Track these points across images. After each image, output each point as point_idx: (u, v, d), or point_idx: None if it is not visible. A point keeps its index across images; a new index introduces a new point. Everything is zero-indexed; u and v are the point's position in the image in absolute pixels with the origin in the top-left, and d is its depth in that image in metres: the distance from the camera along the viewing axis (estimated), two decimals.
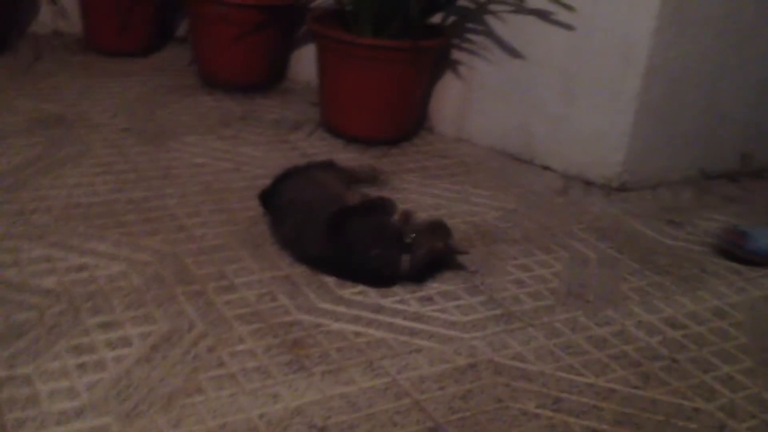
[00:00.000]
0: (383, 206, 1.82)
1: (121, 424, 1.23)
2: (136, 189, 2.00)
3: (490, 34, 2.44)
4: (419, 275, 1.72)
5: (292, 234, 1.79)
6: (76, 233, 1.76)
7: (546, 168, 2.40)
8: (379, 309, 1.62)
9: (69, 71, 2.76)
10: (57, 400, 1.27)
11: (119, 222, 1.83)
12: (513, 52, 2.40)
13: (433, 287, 1.72)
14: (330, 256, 1.71)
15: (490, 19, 2.42)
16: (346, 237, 1.70)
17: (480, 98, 2.51)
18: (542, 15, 2.31)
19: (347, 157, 2.34)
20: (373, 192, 2.00)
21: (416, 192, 2.16)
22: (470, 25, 2.48)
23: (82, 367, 1.35)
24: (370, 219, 1.76)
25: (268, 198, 1.92)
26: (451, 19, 2.50)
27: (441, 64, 2.55)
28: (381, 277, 1.70)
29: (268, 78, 2.84)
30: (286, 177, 1.94)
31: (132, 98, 2.59)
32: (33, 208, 1.84)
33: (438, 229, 1.76)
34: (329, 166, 2.05)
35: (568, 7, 2.22)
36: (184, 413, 1.27)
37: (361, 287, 1.68)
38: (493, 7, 2.40)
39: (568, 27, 2.27)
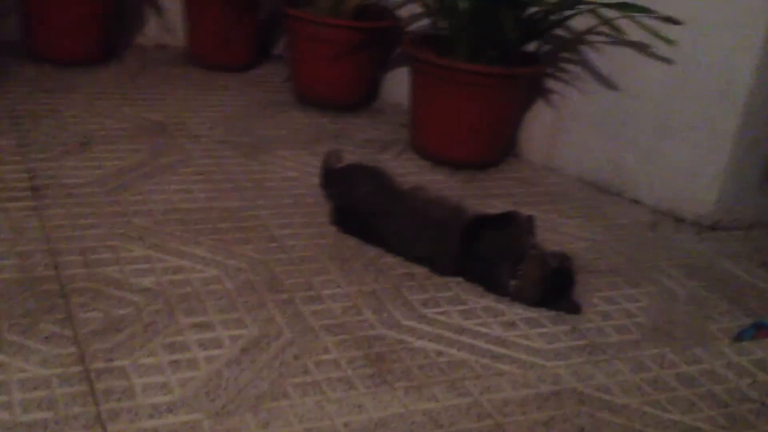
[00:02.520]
0: (517, 221, 1.85)
1: (212, 422, 1.27)
2: (231, 198, 2.06)
3: (585, 63, 2.44)
4: (535, 301, 1.74)
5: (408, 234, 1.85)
6: (174, 237, 1.83)
7: (635, 201, 2.38)
8: (461, 330, 1.63)
9: (171, 83, 2.87)
10: (150, 394, 1.32)
11: (214, 229, 1.89)
12: (608, 83, 2.39)
13: (516, 313, 1.71)
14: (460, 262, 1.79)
15: (586, 49, 2.42)
16: (480, 247, 1.78)
17: (571, 128, 2.51)
18: (640, 47, 2.29)
19: (434, 179, 2.37)
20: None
21: None
22: (566, 54, 2.48)
23: (175, 364, 1.40)
24: (504, 233, 1.81)
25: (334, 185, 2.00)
26: (547, 47, 2.50)
27: (534, 91, 2.56)
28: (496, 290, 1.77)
29: (361, 98, 2.90)
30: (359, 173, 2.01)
31: (229, 111, 2.68)
32: (135, 211, 1.92)
33: (553, 257, 1.76)
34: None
35: (668, 41, 2.20)
36: (271, 416, 1.30)
37: (445, 307, 1.69)
38: (590, 37, 2.40)
39: (666, 60, 2.25)
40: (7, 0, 2.85)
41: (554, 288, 1.74)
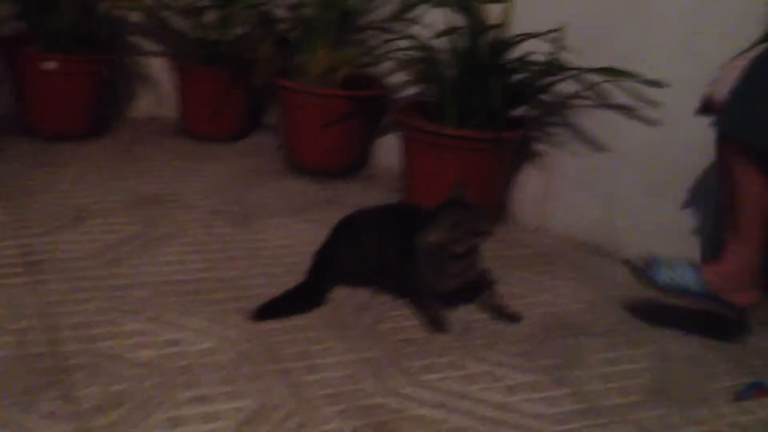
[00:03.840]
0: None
1: None
2: (226, 268, 2.06)
3: (572, 126, 2.48)
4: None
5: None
6: (170, 309, 1.82)
7: (629, 261, 2.39)
8: (463, 395, 1.62)
9: (164, 154, 2.90)
10: None
11: (210, 300, 1.89)
12: (596, 145, 2.44)
13: (516, 377, 1.71)
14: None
15: (573, 113, 2.47)
16: None
17: (561, 189, 2.54)
18: (626, 110, 2.34)
19: None
20: None
21: (496, 281, 2.18)
22: (553, 118, 2.53)
23: None
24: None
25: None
26: (535, 111, 2.55)
27: (523, 154, 2.60)
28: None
29: (353, 164, 2.93)
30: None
31: (222, 181, 2.70)
32: (130, 284, 1.92)
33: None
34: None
35: (652, 104, 2.25)
36: None
37: (445, 372, 1.69)
38: (576, 101, 2.45)
39: (652, 122, 2.30)
40: (1, 75, 2.89)
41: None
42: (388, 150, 2.89)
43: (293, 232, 2.34)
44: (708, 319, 1.97)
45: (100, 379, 1.52)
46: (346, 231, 2.05)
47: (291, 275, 2.05)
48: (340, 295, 1.98)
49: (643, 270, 1.94)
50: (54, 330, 1.67)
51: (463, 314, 1.96)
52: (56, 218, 2.23)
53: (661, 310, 2.03)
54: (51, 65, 2.74)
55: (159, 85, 3.23)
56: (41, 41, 2.77)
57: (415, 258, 1.88)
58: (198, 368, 1.60)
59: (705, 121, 2.18)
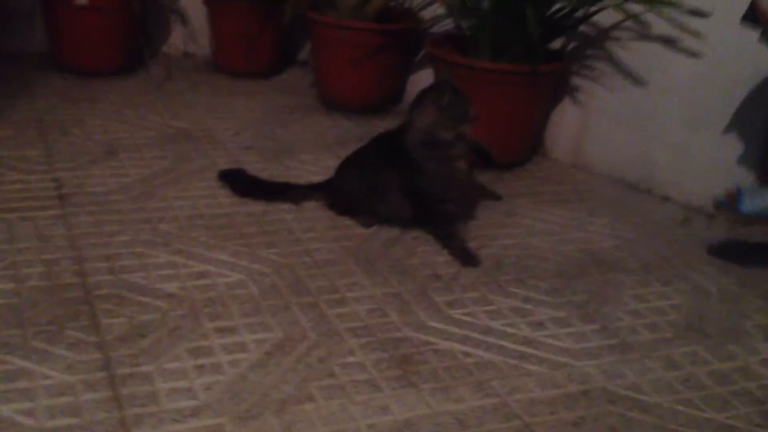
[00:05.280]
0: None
1: (235, 425, 1.26)
2: (255, 203, 2.06)
3: (611, 60, 2.40)
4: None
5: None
6: (199, 242, 1.83)
7: (666, 198, 2.33)
8: (488, 331, 1.61)
9: (197, 90, 2.89)
10: (175, 399, 1.32)
11: (239, 233, 1.89)
12: (635, 79, 2.36)
13: (545, 313, 1.69)
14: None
15: (612, 45, 2.39)
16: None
17: (598, 125, 2.47)
18: (667, 42, 2.26)
19: None
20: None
21: (529, 217, 2.14)
22: (591, 51, 2.45)
23: (200, 368, 1.39)
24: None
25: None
26: (573, 44, 2.47)
27: (559, 89, 2.53)
28: None
29: (387, 100, 2.88)
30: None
31: (254, 117, 2.68)
32: (160, 217, 1.93)
33: None
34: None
35: (695, 34, 2.16)
36: (295, 419, 1.29)
37: (471, 308, 1.67)
38: (615, 33, 2.36)
39: (693, 54, 2.21)
40: (33, 12, 2.89)
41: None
42: (424, 85, 2.82)
43: (325, 168, 2.31)
44: None
45: (127, 310, 1.54)
46: (350, 170, 2.04)
47: (321, 210, 2.05)
48: (371, 230, 1.96)
49: (726, 202, 1.91)
50: (83, 262, 1.69)
51: (496, 250, 1.94)
52: (88, 153, 2.25)
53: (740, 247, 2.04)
54: (82, 1, 2.73)
55: (192, 21, 3.20)
56: None
57: (414, 161, 1.88)
58: (225, 300, 1.61)
59: (748, 55, 2.10)
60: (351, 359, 1.47)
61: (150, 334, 1.47)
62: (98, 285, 1.61)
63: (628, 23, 2.31)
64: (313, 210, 2.05)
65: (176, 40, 3.24)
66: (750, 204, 1.87)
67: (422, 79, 2.85)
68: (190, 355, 1.43)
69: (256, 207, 2.03)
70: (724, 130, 2.19)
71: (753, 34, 2.06)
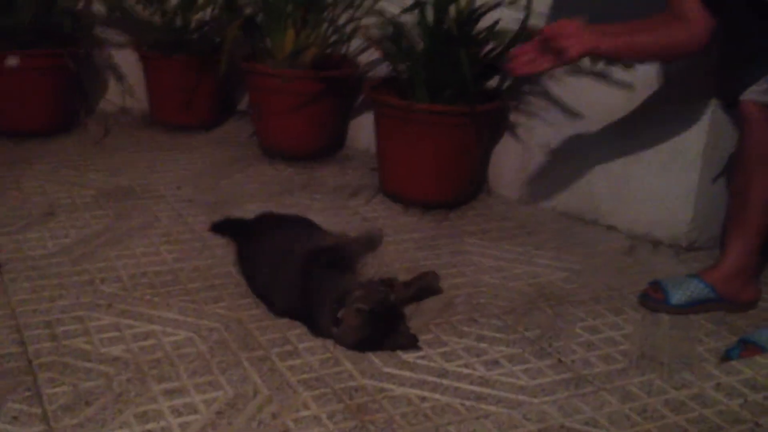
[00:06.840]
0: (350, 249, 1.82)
1: None
2: (201, 257, 2.02)
3: (547, 95, 2.44)
4: (356, 346, 1.64)
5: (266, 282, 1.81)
6: (143, 301, 1.78)
7: (611, 228, 2.36)
8: (443, 373, 1.59)
9: (136, 146, 2.85)
10: None
11: (185, 290, 1.85)
12: (572, 113, 2.40)
13: (499, 350, 1.68)
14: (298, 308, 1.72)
15: (547, 81, 2.43)
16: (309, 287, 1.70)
17: (540, 160, 2.50)
18: (599, 75, 2.30)
19: (406, 221, 2.35)
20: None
21: (477, 254, 2.14)
22: (528, 87, 2.48)
23: None
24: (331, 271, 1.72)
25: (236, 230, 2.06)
26: (508, 82, 2.51)
27: (499, 126, 2.55)
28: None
29: (328, 146, 2.88)
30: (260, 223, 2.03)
31: (196, 170, 2.65)
32: (102, 278, 1.88)
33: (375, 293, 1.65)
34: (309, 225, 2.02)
35: (625, 66, 2.20)
36: None
37: (425, 350, 1.66)
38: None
39: (626, 86, 2.26)
40: None
41: (381, 327, 1.63)
42: (364, 130, 2.84)
43: None
44: None
45: (70, 377, 1.48)
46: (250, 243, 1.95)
47: None
48: None
49: (655, 299, 1.90)
50: (23, 329, 1.63)
51: (446, 290, 1.92)
52: (24, 215, 2.19)
53: None
54: (13, 62, 2.68)
55: (128, 76, 3.17)
56: (1, 38, 2.71)
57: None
58: (172, 360, 1.57)
59: (680, 82, 2.15)
60: (305, 413, 1.43)
61: (95, 402, 1.42)
62: (40, 353, 1.56)
63: None
64: None
65: (113, 96, 3.20)
66: (680, 296, 1.88)
67: (362, 123, 2.87)
68: (138, 420, 1.38)
69: (202, 261, 2.00)
70: (662, 160, 2.23)
71: (680, 64, 2.13)
